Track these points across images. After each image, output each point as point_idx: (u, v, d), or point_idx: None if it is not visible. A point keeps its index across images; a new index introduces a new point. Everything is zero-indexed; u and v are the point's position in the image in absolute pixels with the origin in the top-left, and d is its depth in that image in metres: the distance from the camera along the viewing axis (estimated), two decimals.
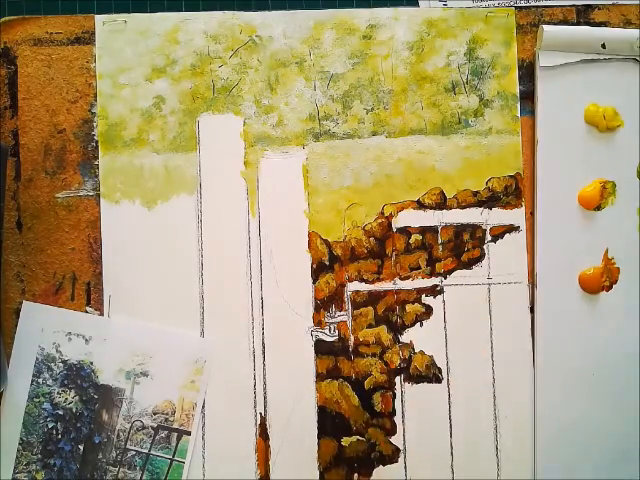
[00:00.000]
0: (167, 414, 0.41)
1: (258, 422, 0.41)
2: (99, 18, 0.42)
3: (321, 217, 0.42)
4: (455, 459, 0.41)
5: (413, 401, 0.42)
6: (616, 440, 0.42)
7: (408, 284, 0.42)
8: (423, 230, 0.42)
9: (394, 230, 0.42)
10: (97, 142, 0.42)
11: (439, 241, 0.42)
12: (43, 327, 0.41)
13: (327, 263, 0.42)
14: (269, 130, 0.42)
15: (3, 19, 0.42)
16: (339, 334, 0.42)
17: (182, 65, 0.42)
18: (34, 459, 0.40)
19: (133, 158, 0.42)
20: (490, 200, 0.43)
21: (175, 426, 0.41)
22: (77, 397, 0.41)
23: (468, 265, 0.42)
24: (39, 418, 0.41)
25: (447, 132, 0.43)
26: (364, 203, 0.42)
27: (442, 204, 0.42)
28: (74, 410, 0.41)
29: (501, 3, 0.43)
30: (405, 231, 0.42)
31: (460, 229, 0.43)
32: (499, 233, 0.43)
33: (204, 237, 0.42)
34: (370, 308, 0.42)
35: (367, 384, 0.42)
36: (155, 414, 0.41)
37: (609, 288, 0.42)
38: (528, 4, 0.43)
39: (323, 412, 0.41)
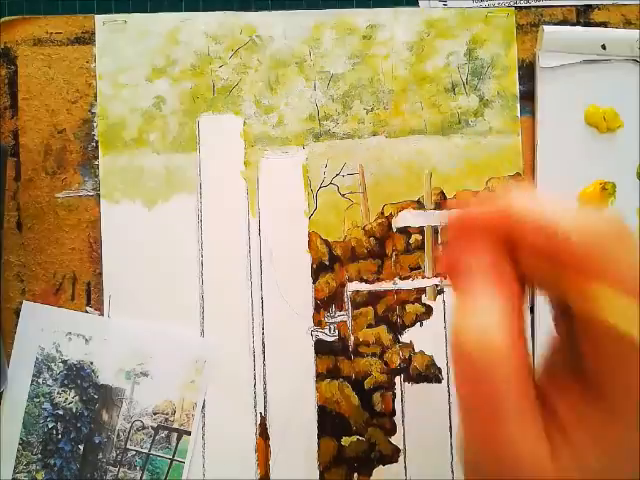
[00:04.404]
0: (167, 414, 0.41)
1: (258, 422, 0.41)
2: (99, 18, 0.42)
3: (321, 217, 0.42)
4: (455, 459, 0.41)
5: (413, 401, 0.42)
6: None
7: (408, 284, 0.42)
8: (423, 230, 0.42)
9: (394, 230, 0.42)
10: (97, 142, 0.42)
11: (439, 241, 0.42)
12: (43, 327, 0.41)
13: (327, 263, 0.42)
14: (269, 130, 0.42)
15: (3, 19, 0.42)
16: (339, 334, 0.42)
17: (182, 65, 0.42)
18: (34, 459, 0.40)
19: (133, 158, 0.42)
20: None
21: (175, 426, 0.41)
22: (77, 397, 0.41)
23: None
24: (39, 418, 0.41)
25: (447, 132, 0.43)
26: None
27: (442, 204, 0.42)
28: (74, 410, 0.41)
29: (501, 3, 0.43)
30: (405, 231, 0.42)
31: None
32: None
33: (204, 237, 0.42)
34: (370, 308, 0.42)
35: (367, 384, 0.42)
36: (155, 414, 0.41)
37: None
38: (528, 4, 0.43)
39: (323, 412, 0.42)
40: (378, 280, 0.42)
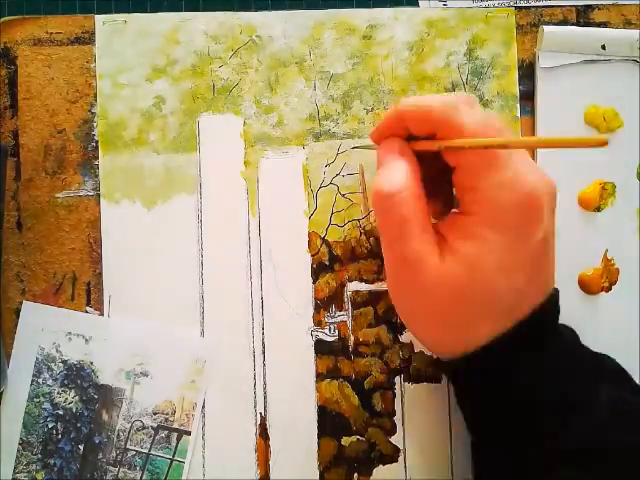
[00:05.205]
0: (167, 414, 0.41)
1: (258, 422, 0.41)
2: (99, 18, 0.42)
3: (321, 217, 0.42)
4: (455, 459, 0.41)
5: (413, 401, 0.42)
6: None
7: None
8: None
9: None
10: (97, 142, 0.42)
11: None
12: (43, 327, 0.41)
13: (327, 263, 0.42)
14: (269, 130, 0.42)
15: (3, 19, 0.42)
16: (339, 334, 0.42)
17: (182, 65, 0.42)
18: (34, 459, 0.41)
19: (133, 158, 0.42)
20: None
21: (175, 426, 0.41)
22: (77, 397, 0.41)
23: None
24: (39, 418, 0.41)
25: None
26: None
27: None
28: (74, 410, 0.41)
29: (501, 3, 0.43)
30: None
31: None
32: None
33: (204, 237, 0.42)
34: (370, 308, 0.42)
35: (367, 384, 0.42)
36: (155, 414, 0.41)
37: (608, 289, 0.42)
38: (528, 4, 0.43)
39: (323, 412, 0.42)
40: (378, 280, 0.42)
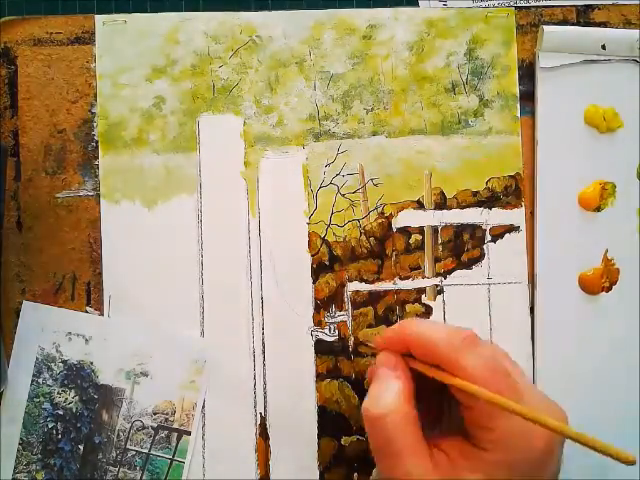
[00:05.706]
0: (167, 414, 0.41)
1: (258, 422, 0.41)
2: (99, 18, 0.42)
3: (321, 217, 0.42)
4: None
5: None
6: (616, 441, 0.42)
7: (408, 284, 0.42)
8: (423, 230, 0.42)
9: (394, 230, 0.42)
10: (97, 142, 0.42)
11: (439, 241, 0.42)
12: (43, 327, 0.41)
13: (327, 263, 0.42)
14: (269, 130, 0.42)
15: (3, 19, 0.42)
16: (339, 334, 0.42)
17: (182, 65, 0.42)
18: (34, 459, 0.41)
19: (133, 158, 0.42)
20: (490, 200, 0.43)
21: (175, 426, 0.41)
22: (77, 397, 0.41)
23: (468, 265, 0.42)
24: (39, 418, 0.41)
25: (447, 132, 0.43)
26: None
27: (442, 204, 0.43)
28: (74, 410, 0.41)
29: (501, 3, 0.43)
30: (405, 231, 0.43)
31: (460, 229, 0.43)
32: (499, 233, 0.43)
33: (204, 237, 0.42)
34: (370, 308, 0.42)
35: (367, 384, 0.42)
36: (155, 414, 0.41)
37: (609, 289, 0.42)
38: (528, 4, 0.43)
39: (323, 412, 0.42)
40: (378, 280, 0.42)
